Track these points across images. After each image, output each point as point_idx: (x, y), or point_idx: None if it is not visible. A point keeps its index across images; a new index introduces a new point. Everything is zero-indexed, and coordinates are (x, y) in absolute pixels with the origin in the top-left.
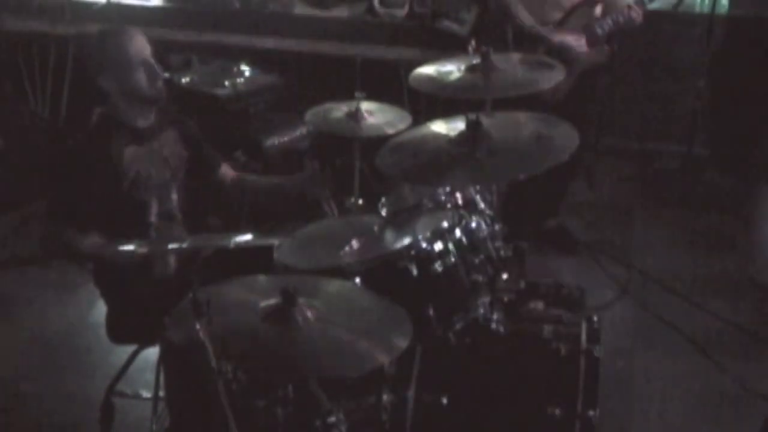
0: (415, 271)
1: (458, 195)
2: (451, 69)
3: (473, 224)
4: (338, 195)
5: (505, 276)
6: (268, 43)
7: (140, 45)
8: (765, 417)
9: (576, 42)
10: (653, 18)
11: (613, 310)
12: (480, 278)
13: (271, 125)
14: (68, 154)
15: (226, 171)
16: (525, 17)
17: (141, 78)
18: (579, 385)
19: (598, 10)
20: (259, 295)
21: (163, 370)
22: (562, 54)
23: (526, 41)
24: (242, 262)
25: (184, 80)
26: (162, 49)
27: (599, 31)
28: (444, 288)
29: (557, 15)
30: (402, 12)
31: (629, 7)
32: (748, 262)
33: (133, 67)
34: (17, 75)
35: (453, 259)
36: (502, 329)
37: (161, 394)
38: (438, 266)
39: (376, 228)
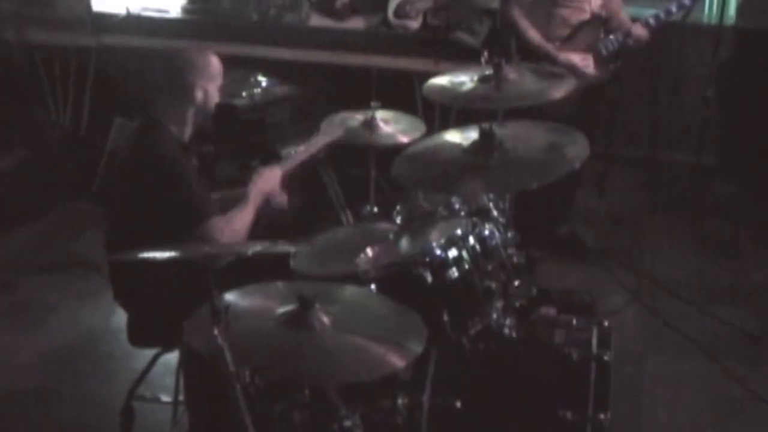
0: (429, 278)
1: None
2: (464, 79)
3: (486, 232)
4: (354, 203)
5: (517, 282)
6: (285, 54)
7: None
8: None
9: (582, 62)
10: (662, 29)
11: (623, 315)
12: (493, 284)
13: (287, 135)
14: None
15: None
16: (533, 34)
17: (216, 98)
18: (590, 389)
19: (602, 29)
20: (277, 301)
21: (182, 374)
22: (570, 72)
23: (533, 58)
24: (260, 269)
25: None
26: None
27: (604, 51)
28: (458, 294)
29: (564, 31)
30: (416, 24)
31: (634, 26)
32: None
33: (218, 84)
34: (39, 86)
35: (467, 266)
36: (514, 334)
37: (181, 398)
38: (452, 273)
39: (391, 235)
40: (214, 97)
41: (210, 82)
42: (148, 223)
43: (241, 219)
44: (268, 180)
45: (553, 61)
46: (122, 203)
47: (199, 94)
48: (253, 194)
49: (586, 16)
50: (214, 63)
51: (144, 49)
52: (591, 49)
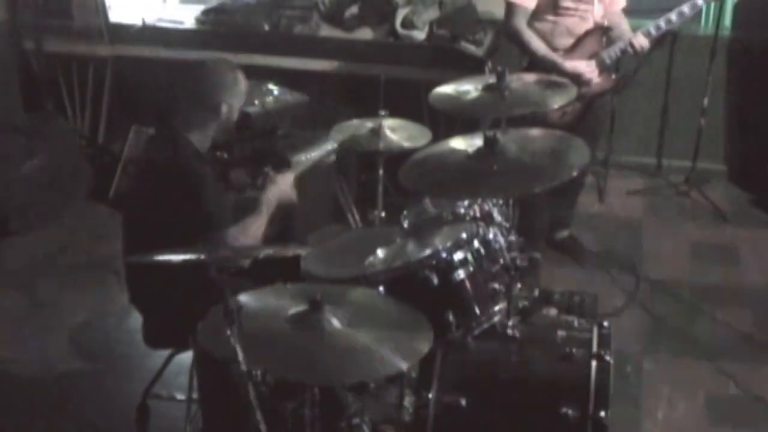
0: (435, 280)
1: (476, 208)
2: (469, 88)
3: (491, 235)
4: (362, 207)
5: (520, 284)
6: (296, 63)
7: None
8: None
9: (587, 70)
10: (661, 38)
11: (623, 316)
12: (497, 286)
13: (298, 141)
14: (201, 171)
15: None
16: (537, 45)
17: (238, 111)
18: (591, 387)
19: (605, 39)
20: (288, 302)
21: (196, 373)
22: (574, 81)
23: (539, 68)
24: (271, 271)
25: None
26: None
27: (607, 60)
28: (463, 296)
29: (567, 41)
30: (422, 34)
31: (635, 36)
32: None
33: (242, 101)
34: (58, 94)
35: (471, 269)
36: (517, 335)
37: (195, 396)
38: (458, 275)
39: (398, 239)
40: (236, 112)
41: (235, 98)
42: (165, 230)
43: (256, 228)
44: (281, 187)
45: (559, 70)
46: (140, 209)
47: (224, 110)
48: (267, 203)
49: (590, 25)
50: (243, 81)
51: (159, 59)
52: (594, 58)
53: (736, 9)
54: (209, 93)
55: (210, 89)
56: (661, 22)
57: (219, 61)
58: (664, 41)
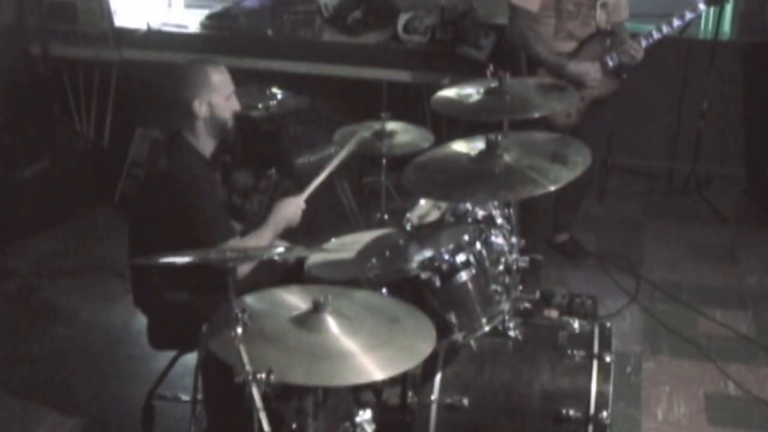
0: (438, 282)
1: (478, 210)
2: (470, 92)
3: (492, 238)
4: (365, 210)
5: (521, 286)
6: (300, 67)
7: (229, 80)
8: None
9: (590, 72)
10: (661, 43)
11: (623, 317)
12: (498, 288)
13: (302, 145)
14: (202, 174)
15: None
16: (541, 48)
17: (229, 108)
18: (592, 388)
19: (608, 42)
20: (292, 303)
21: (201, 374)
22: (577, 83)
23: (542, 70)
24: (275, 273)
25: None
26: None
27: (610, 62)
28: (465, 297)
29: (570, 45)
30: (425, 39)
31: (631, 44)
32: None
33: (225, 93)
34: (64, 98)
35: (474, 271)
36: (519, 336)
37: (199, 397)
38: (460, 277)
39: (401, 241)
40: (225, 108)
41: (212, 94)
42: (168, 236)
43: (257, 244)
44: (290, 210)
45: (563, 73)
46: (145, 214)
47: (202, 109)
48: (273, 223)
49: (592, 29)
50: (211, 75)
51: (164, 63)
52: (597, 61)
53: (736, 14)
54: (179, 97)
55: (178, 94)
56: (664, 26)
57: (185, 62)
58: (663, 46)
